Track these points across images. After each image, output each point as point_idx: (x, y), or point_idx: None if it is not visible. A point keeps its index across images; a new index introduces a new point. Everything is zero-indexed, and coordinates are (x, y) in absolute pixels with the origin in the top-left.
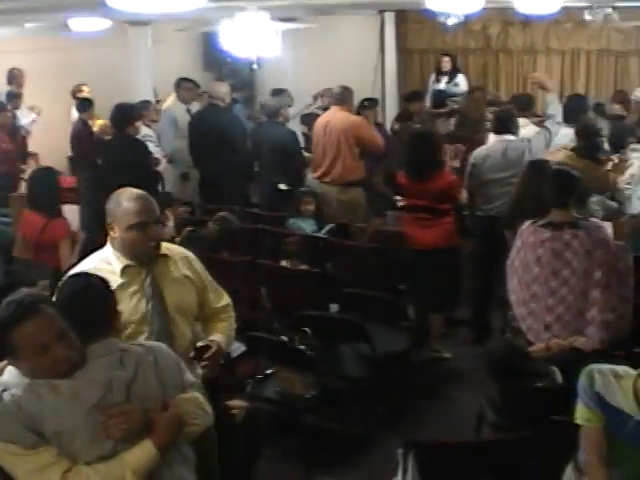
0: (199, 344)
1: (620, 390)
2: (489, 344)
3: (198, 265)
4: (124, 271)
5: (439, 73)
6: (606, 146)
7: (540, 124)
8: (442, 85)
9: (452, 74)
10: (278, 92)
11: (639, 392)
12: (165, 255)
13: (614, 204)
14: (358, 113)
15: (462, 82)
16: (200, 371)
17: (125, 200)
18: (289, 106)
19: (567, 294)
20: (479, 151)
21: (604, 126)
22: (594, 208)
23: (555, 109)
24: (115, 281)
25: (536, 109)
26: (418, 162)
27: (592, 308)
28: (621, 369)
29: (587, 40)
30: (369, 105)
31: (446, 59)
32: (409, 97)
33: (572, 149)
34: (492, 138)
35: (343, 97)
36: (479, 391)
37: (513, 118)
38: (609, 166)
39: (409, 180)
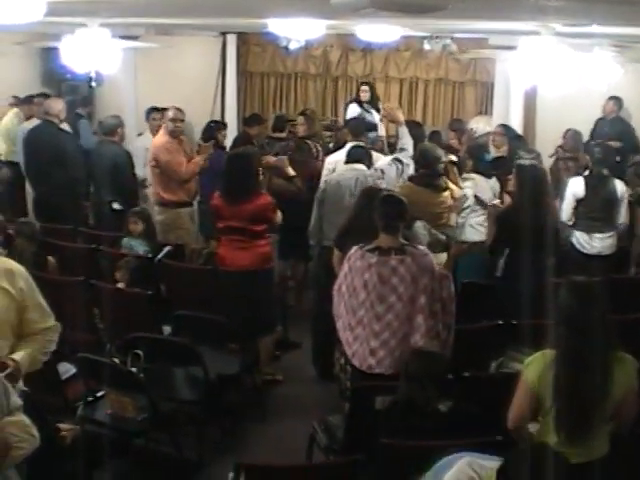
0: None
1: None
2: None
3: (23, 281)
4: None
5: (360, 102)
6: None
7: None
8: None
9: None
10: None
11: None
12: None
13: (441, 236)
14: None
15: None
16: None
17: None
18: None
19: (393, 320)
20: (331, 178)
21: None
22: (421, 232)
23: (407, 142)
24: None
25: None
26: (232, 184)
27: (416, 334)
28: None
29: (425, 69)
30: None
31: (365, 87)
32: (249, 120)
33: (410, 178)
34: (340, 167)
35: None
36: (311, 414)
37: (367, 152)
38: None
39: (224, 202)
